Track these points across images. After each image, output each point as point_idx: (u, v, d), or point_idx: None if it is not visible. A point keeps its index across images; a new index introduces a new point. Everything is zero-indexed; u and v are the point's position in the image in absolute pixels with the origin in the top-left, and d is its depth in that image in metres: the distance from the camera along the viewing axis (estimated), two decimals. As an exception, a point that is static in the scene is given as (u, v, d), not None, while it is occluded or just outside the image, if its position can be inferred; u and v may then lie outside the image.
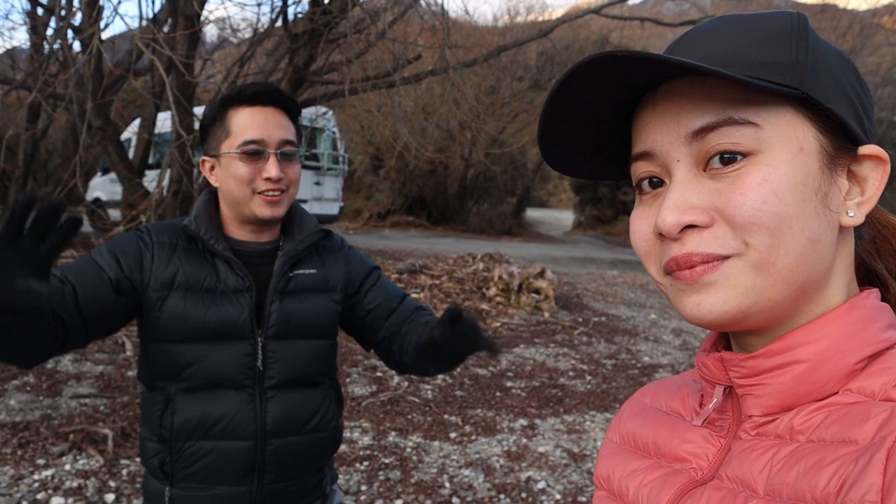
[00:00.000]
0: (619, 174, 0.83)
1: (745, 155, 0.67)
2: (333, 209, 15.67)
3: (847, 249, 0.73)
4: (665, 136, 0.71)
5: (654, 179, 0.74)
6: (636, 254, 0.77)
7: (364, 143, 23.51)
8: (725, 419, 0.76)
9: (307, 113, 12.80)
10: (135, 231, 1.78)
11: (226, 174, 1.72)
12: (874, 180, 0.71)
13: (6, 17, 11.16)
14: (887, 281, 0.78)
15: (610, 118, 0.77)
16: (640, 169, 0.75)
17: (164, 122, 10.66)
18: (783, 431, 0.69)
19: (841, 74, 0.70)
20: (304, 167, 13.63)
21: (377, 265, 2.01)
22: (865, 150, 0.70)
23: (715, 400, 0.77)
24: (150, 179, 9.89)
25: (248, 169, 1.69)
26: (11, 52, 10.75)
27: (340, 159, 15.97)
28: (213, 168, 1.78)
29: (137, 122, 11.99)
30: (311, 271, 1.85)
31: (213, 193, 1.84)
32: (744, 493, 0.68)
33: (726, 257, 0.67)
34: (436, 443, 4.80)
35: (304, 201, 13.01)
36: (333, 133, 15.53)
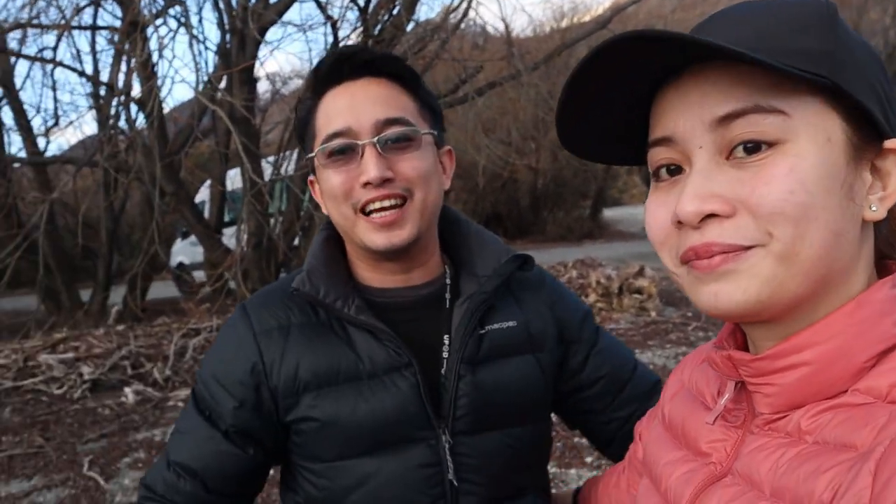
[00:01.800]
0: (634, 159, 0.81)
1: (770, 144, 0.65)
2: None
3: (868, 243, 0.71)
4: (688, 122, 0.70)
5: (673, 167, 0.73)
6: (651, 242, 0.76)
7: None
8: (741, 410, 0.76)
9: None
10: (234, 321, 1.34)
11: (324, 193, 1.29)
12: None
13: (75, 108, 11.45)
14: None
15: (629, 101, 0.75)
16: (659, 155, 0.73)
17: (234, 178, 10.68)
18: (792, 430, 0.68)
19: (867, 66, 0.69)
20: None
21: (589, 308, 1.49)
22: (891, 143, 0.69)
23: (727, 395, 0.77)
24: (229, 237, 9.87)
25: (338, 177, 1.22)
26: (84, 142, 11.01)
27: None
28: (320, 188, 1.33)
29: (208, 182, 12.10)
30: (510, 323, 1.33)
31: (333, 228, 1.38)
32: (752, 492, 0.68)
33: (748, 248, 0.66)
34: (572, 470, 4.40)
35: None
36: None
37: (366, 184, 1.19)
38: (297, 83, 12.90)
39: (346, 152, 1.22)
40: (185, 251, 14.96)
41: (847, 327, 0.67)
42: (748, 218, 0.66)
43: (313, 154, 1.27)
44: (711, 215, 0.67)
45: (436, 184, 1.28)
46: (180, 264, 14.50)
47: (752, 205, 0.65)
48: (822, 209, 0.65)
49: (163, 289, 11.20)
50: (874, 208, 0.69)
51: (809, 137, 0.66)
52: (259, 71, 7.62)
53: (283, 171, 8.68)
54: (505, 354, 1.30)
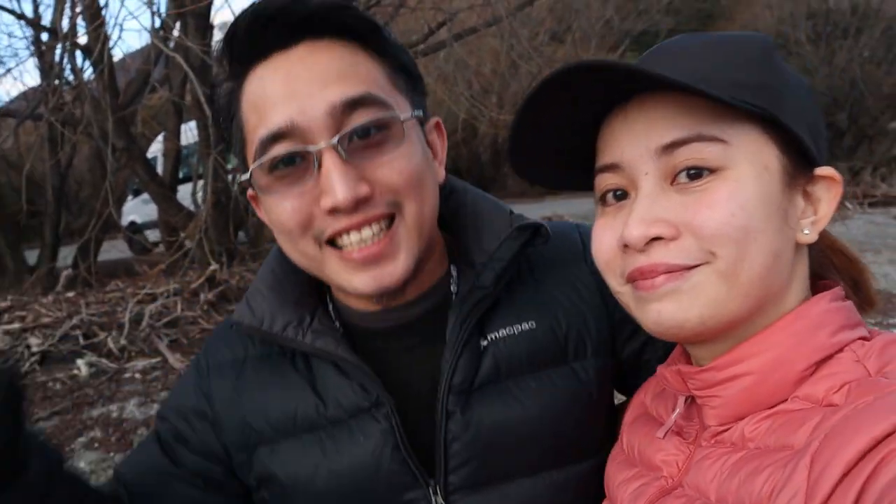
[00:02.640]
0: (584, 184, 0.84)
1: (712, 171, 0.71)
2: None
3: (803, 264, 0.77)
4: (634, 149, 0.74)
5: (619, 192, 0.78)
6: (596, 263, 0.81)
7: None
8: (692, 426, 0.81)
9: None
10: (193, 362, 1.08)
11: (270, 223, 0.94)
12: (827, 200, 0.75)
13: (14, 54, 10.69)
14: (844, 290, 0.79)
15: (577, 129, 0.79)
16: (606, 181, 0.78)
17: (189, 133, 10.15)
18: (737, 439, 0.72)
19: (800, 99, 0.75)
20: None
21: None
22: (821, 171, 0.75)
23: (677, 410, 0.82)
24: (182, 195, 9.38)
25: (288, 203, 0.87)
26: (26, 94, 10.32)
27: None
28: (256, 199, 0.98)
29: (161, 137, 11.51)
30: (526, 325, 0.99)
31: None
32: (700, 499, 0.72)
33: (692, 267, 0.71)
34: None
35: None
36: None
37: (332, 210, 0.83)
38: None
39: (293, 164, 0.84)
40: (137, 209, 14.38)
41: (786, 338, 0.72)
42: (692, 240, 0.71)
43: (247, 176, 0.89)
44: (657, 238, 0.72)
45: (431, 184, 0.91)
46: (132, 223, 14.01)
47: (696, 227, 0.70)
48: (761, 232, 0.70)
49: (113, 249, 10.71)
50: (806, 231, 0.75)
51: (748, 165, 0.71)
52: (214, 18, 7.09)
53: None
54: (520, 372, 0.96)
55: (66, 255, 9.38)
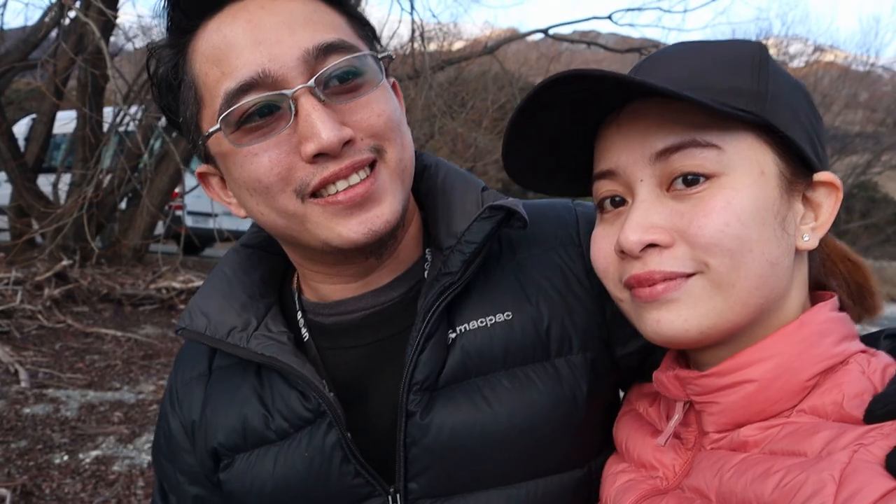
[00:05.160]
0: (582, 190, 0.84)
1: (707, 177, 0.70)
2: (244, 225, 14.55)
3: (802, 271, 0.76)
4: (630, 156, 0.74)
5: (617, 199, 0.77)
6: (595, 270, 0.81)
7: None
8: (690, 432, 0.78)
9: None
10: (165, 392, 1.05)
11: (237, 187, 0.85)
12: (828, 206, 0.74)
13: None
14: (842, 299, 0.79)
15: (573, 137, 0.80)
16: (603, 188, 0.78)
17: (66, 124, 9.47)
18: (737, 445, 0.71)
19: (797, 103, 0.74)
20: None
21: None
22: (820, 176, 0.74)
23: (677, 416, 0.78)
24: (44, 184, 8.69)
25: (265, 155, 0.81)
26: None
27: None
28: (222, 182, 0.90)
29: (28, 119, 10.70)
30: (500, 316, 0.91)
31: (254, 239, 1.00)
32: (699, 500, 0.71)
33: (688, 276, 0.71)
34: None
35: (212, 215, 11.33)
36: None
37: (316, 154, 0.77)
38: (142, 41, 11.76)
39: (268, 113, 0.79)
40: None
41: (789, 346, 0.70)
42: (685, 248, 0.70)
43: (212, 131, 0.80)
44: (652, 245, 0.72)
45: (407, 133, 0.88)
46: None
47: (690, 236, 0.70)
48: (757, 241, 0.69)
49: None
50: (806, 238, 0.74)
51: (744, 171, 0.70)
52: None
53: (125, 125, 7.78)
54: (492, 369, 0.88)
55: None
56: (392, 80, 0.93)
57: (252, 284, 0.95)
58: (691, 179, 0.71)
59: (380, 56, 0.86)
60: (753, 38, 0.76)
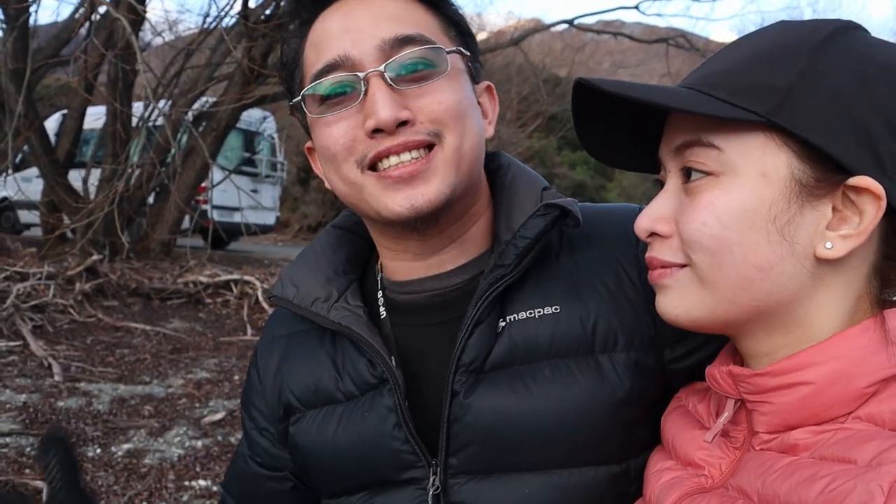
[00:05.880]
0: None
1: (706, 174, 0.71)
2: (270, 219, 14.92)
3: (840, 279, 0.71)
4: (664, 147, 0.78)
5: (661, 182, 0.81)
6: None
7: (291, 153, 22.48)
8: (740, 431, 0.77)
9: (247, 116, 11.91)
10: (256, 347, 1.16)
11: (320, 157, 0.98)
12: (869, 215, 0.67)
13: None
14: None
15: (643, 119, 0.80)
16: (661, 172, 0.81)
17: (96, 120, 9.62)
18: (787, 447, 0.70)
19: (853, 92, 0.67)
20: (241, 173, 12.67)
21: None
22: (856, 181, 0.67)
23: (727, 414, 0.77)
24: (74, 179, 8.84)
25: (336, 126, 0.91)
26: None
27: (279, 166, 15.41)
28: (312, 151, 1.04)
29: (59, 115, 10.86)
30: (549, 309, 0.95)
31: (347, 219, 1.11)
32: (741, 499, 0.70)
33: (681, 266, 0.74)
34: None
35: (238, 209, 11.59)
36: (273, 138, 14.74)
37: (375, 131, 0.86)
38: (170, 36, 11.85)
39: (343, 92, 0.90)
40: (14, 186, 13.50)
41: (850, 351, 0.68)
42: (678, 241, 0.74)
43: (297, 99, 0.94)
44: (655, 233, 0.77)
45: (473, 124, 0.94)
46: (4, 199, 13.28)
47: (680, 229, 0.73)
48: (738, 244, 0.69)
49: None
50: (829, 245, 0.68)
51: (742, 172, 0.69)
52: None
53: (153, 119, 7.88)
54: (537, 358, 0.93)
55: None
56: (486, 84, 1.05)
57: (337, 261, 1.05)
58: (691, 173, 0.73)
59: (448, 51, 0.94)
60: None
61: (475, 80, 1.01)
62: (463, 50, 0.97)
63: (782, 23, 0.75)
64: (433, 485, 0.92)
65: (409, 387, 0.95)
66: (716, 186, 0.70)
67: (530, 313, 0.95)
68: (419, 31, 0.92)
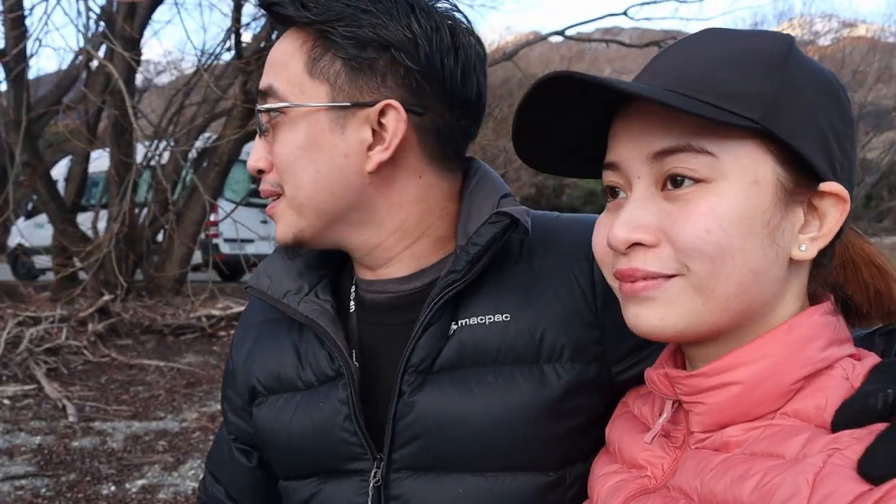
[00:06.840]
0: (599, 172, 0.82)
1: (696, 181, 0.69)
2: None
3: (799, 279, 0.74)
4: (630, 152, 0.74)
5: (618, 190, 0.78)
6: (595, 256, 0.82)
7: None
8: (679, 430, 0.78)
9: (250, 148, 12.01)
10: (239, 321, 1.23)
11: None
12: (833, 217, 0.71)
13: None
14: (858, 305, 0.80)
15: (584, 124, 0.79)
16: (608, 178, 0.78)
17: (96, 162, 9.77)
18: (720, 445, 0.71)
19: (817, 105, 0.70)
20: (249, 205, 12.77)
21: None
22: (826, 187, 0.70)
23: (665, 415, 0.79)
24: (82, 222, 8.97)
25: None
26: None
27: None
28: None
29: (65, 161, 11.03)
30: (499, 317, 0.96)
31: None
32: (682, 499, 0.71)
33: (668, 277, 0.71)
34: None
35: (249, 241, 11.66)
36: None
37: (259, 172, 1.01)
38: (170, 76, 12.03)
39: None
40: (27, 233, 13.71)
41: (777, 349, 0.70)
42: (669, 249, 0.70)
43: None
44: (638, 243, 0.72)
45: (309, 172, 0.94)
46: (19, 246, 13.36)
47: (673, 238, 0.70)
48: (740, 250, 0.68)
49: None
50: (803, 248, 0.71)
51: (736, 178, 0.68)
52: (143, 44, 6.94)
53: (154, 159, 8.00)
54: (484, 363, 0.94)
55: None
56: (382, 103, 0.93)
57: (311, 257, 1.07)
58: (679, 180, 0.71)
59: (289, 105, 0.95)
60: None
61: (365, 105, 0.93)
62: (346, 90, 0.93)
63: (739, 30, 0.75)
64: (374, 477, 0.95)
65: (365, 382, 0.98)
66: (711, 193, 0.69)
67: (481, 319, 0.95)
68: (271, 82, 0.95)
